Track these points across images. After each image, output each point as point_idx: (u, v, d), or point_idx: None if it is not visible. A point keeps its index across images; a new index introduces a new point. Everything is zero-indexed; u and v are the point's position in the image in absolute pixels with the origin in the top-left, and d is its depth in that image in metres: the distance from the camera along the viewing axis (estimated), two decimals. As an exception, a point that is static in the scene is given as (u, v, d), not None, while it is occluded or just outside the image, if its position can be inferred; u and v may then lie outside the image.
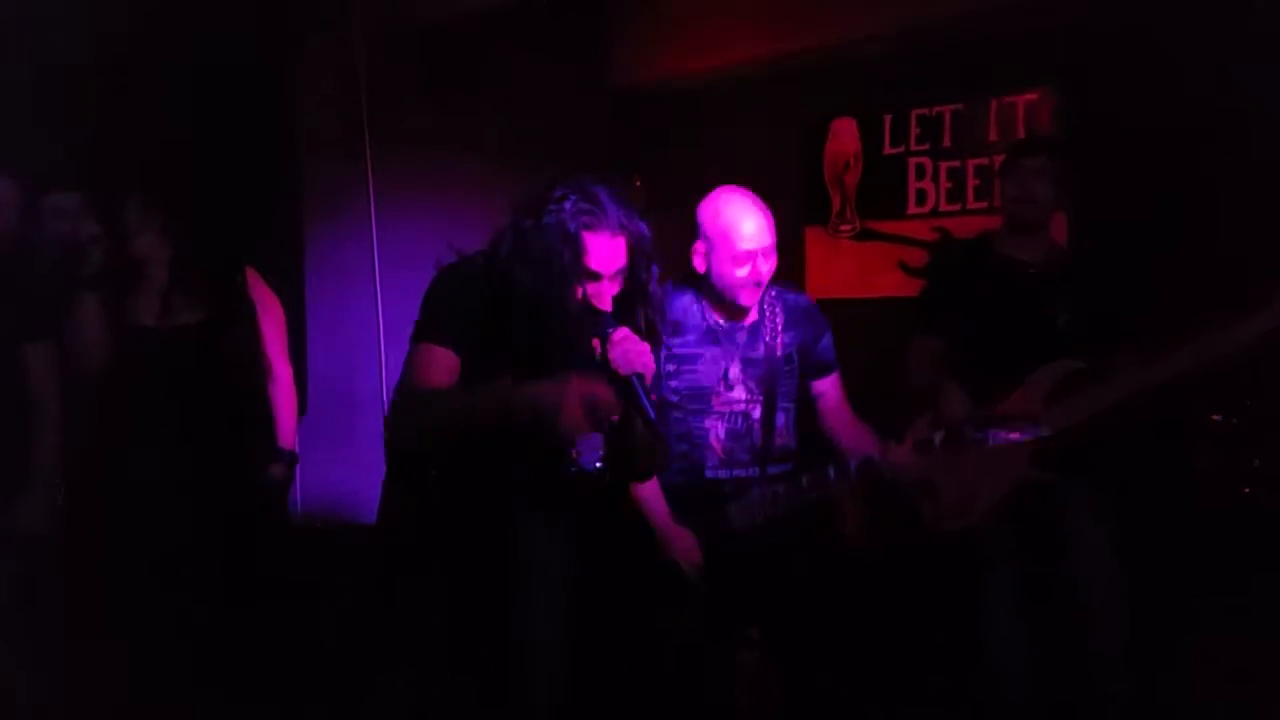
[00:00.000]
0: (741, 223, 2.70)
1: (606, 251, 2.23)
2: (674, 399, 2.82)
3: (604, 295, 2.25)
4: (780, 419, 2.85)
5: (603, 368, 2.15)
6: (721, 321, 2.84)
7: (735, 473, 2.83)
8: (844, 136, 4.66)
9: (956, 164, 4.39)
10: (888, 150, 4.55)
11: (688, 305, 2.84)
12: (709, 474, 2.82)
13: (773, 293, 2.88)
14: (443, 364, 2.26)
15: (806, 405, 2.97)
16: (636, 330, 2.25)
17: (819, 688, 2.83)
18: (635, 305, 2.32)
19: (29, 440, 3.08)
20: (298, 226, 4.35)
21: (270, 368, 3.47)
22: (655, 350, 2.24)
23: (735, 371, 2.82)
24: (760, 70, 4.69)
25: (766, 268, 2.74)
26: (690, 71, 4.82)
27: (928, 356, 3.09)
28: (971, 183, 4.35)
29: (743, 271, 2.72)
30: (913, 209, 4.48)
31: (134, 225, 3.19)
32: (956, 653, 3.30)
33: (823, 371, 2.95)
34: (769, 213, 2.76)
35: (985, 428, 2.69)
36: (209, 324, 3.25)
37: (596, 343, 2.20)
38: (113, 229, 3.17)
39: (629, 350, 2.16)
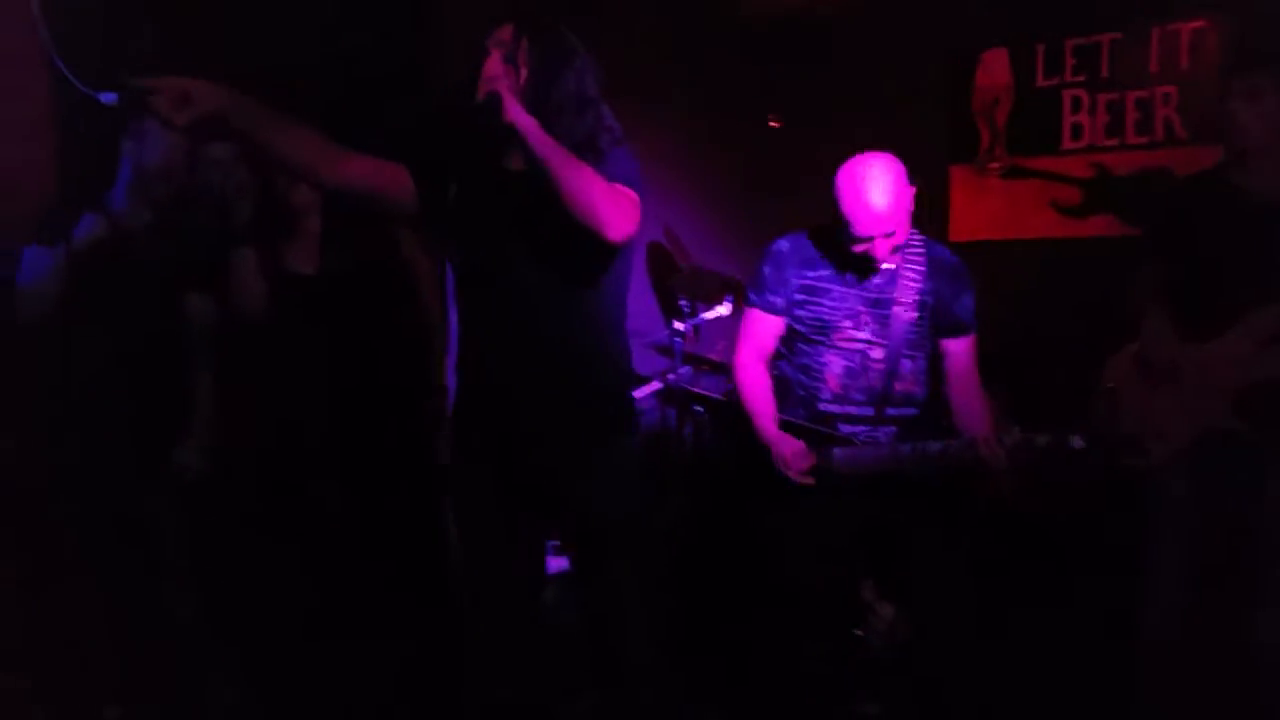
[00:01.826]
0: (860, 211, 2.75)
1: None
2: (800, 328, 2.94)
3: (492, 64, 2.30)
4: (906, 365, 2.89)
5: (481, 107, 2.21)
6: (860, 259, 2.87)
7: (848, 409, 2.91)
8: (994, 68, 4.47)
9: (1115, 96, 4.18)
10: (1041, 82, 4.35)
11: (828, 240, 2.92)
12: (822, 406, 2.92)
13: (919, 242, 2.91)
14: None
15: (940, 357, 2.98)
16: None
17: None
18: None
19: (190, 385, 3.18)
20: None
21: (421, 308, 3.54)
22: (543, 90, 2.27)
23: (862, 311, 2.88)
24: (903, -1, 4.51)
25: (888, 243, 2.79)
26: (829, 1, 4.66)
27: (1146, 288, 2.95)
28: (1131, 116, 4.15)
29: (862, 248, 2.81)
30: (1068, 144, 4.30)
31: (290, 176, 3.24)
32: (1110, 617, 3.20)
33: (956, 332, 2.93)
34: (899, 185, 2.76)
35: (1063, 441, 2.65)
36: (362, 269, 3.31)
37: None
38: (268, 179, 3.23)
39: (485, 78, 2.23)
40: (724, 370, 4.35)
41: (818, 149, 4.91)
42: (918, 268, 2.88)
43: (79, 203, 3.10)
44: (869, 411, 2.89)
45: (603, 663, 2.42)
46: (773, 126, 5.02)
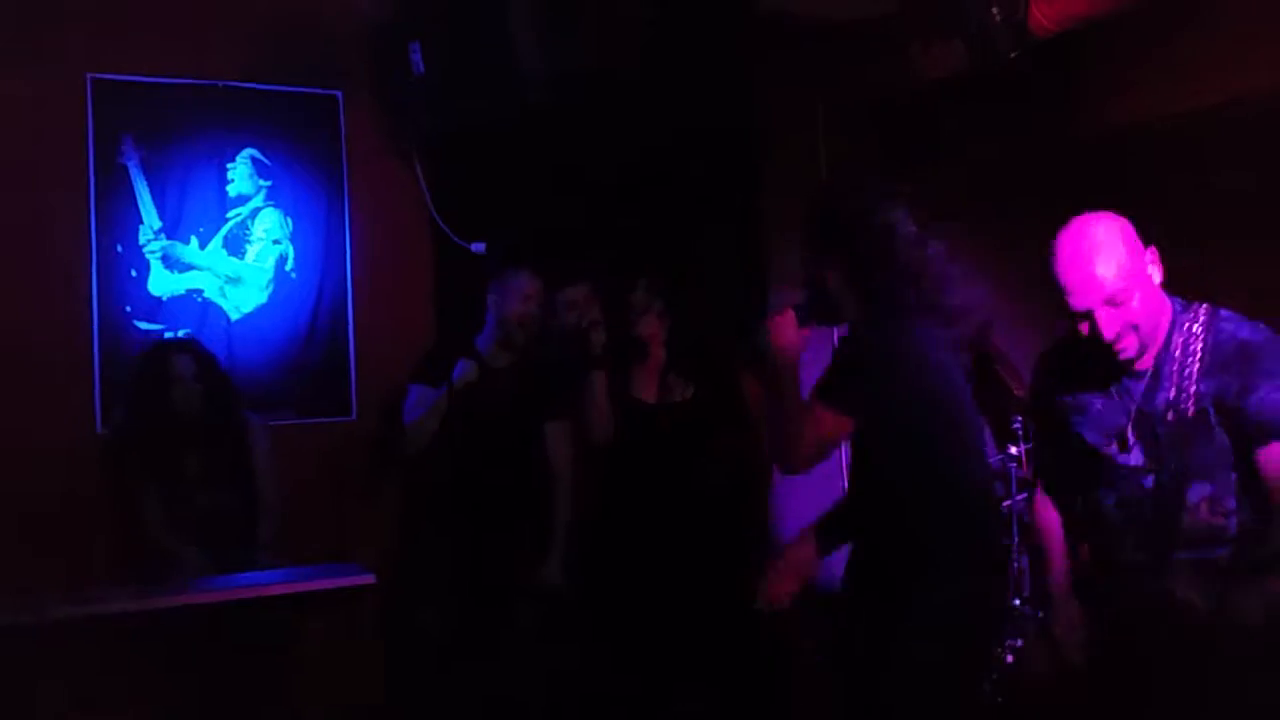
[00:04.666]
0: (1070, 277, 2.17)
1: None
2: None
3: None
4: (1194, 494, 2.17)
5: None
6: (1113, 364, 2.23)
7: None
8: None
9: None
10: None
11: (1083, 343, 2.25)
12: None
13: (1200, 322, 2.20)
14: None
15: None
16: None
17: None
18: None
19: (551, 505, 3.47)
20: (765, 303, 4.57)
21: (748, 444, 3.65)
22: None
23: (1129, 429, 2.24)
24: (1245, 107, 4.29)
25: (1114, 316, 2.15)
26: (1165, 114, 4.51)
27: None
28: None
29: (1083, 326, 2.19)
30: None
31: (638, 308, 3.50)
32: None
33: (1264, 436, 2.11)
34: (1120, 244, 2.17)
35: None
36: (699, 400, 3.48)
37: None
38: (615, 315, 3.51)
39: None
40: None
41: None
42: (1193, 361, 2.17)
43: (454, 346, 3.50)
44: (1146, 559, 2.20)
45: None
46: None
